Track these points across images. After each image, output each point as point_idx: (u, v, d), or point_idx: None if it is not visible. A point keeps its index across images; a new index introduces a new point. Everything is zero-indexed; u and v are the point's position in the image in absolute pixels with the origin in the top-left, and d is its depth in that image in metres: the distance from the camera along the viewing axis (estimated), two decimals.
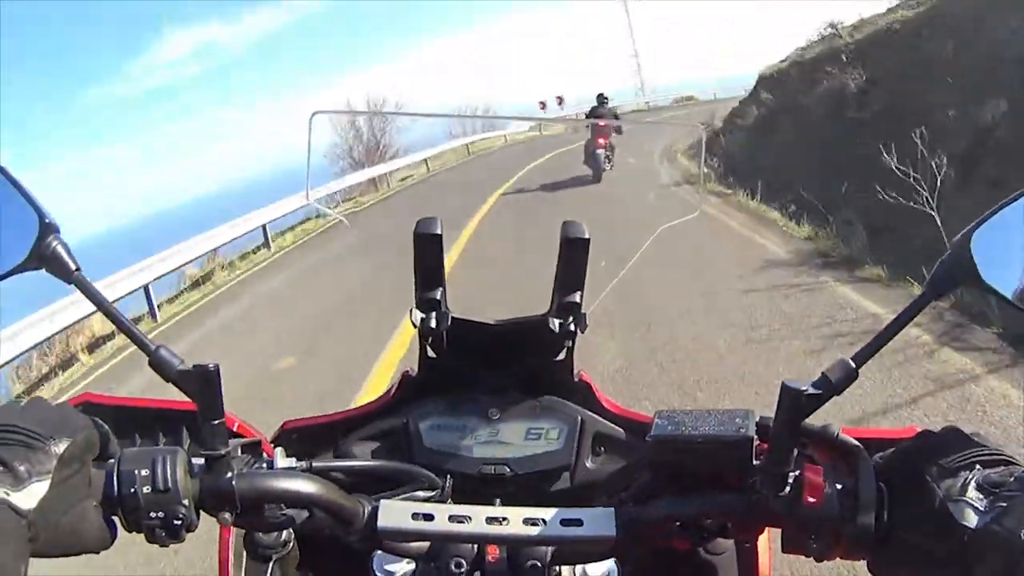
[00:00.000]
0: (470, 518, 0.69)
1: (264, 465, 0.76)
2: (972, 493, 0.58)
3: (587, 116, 14.79)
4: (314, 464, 0.80)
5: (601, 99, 15.44)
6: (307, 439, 0.90)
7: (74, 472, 0.62)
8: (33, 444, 0.61)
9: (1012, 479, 0.57)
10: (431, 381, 0.94)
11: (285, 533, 0.84)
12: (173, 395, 0.74)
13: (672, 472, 0.68)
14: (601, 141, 13.77)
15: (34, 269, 0.67)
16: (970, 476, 0.59)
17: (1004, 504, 0.56)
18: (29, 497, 0.58)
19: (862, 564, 0.65)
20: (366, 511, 0.71)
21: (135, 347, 0.68)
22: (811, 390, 0.63)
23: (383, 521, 0.70)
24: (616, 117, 14.17)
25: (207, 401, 0.65)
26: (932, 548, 0.59)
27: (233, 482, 0.66)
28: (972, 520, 0.56)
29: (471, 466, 0.91)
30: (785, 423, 0.63)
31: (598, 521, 0.69)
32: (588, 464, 0.92)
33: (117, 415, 0.79)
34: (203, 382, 0.65)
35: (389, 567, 0.78)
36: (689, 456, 0.66)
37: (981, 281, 0.63)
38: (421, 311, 0.88)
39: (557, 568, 0.79)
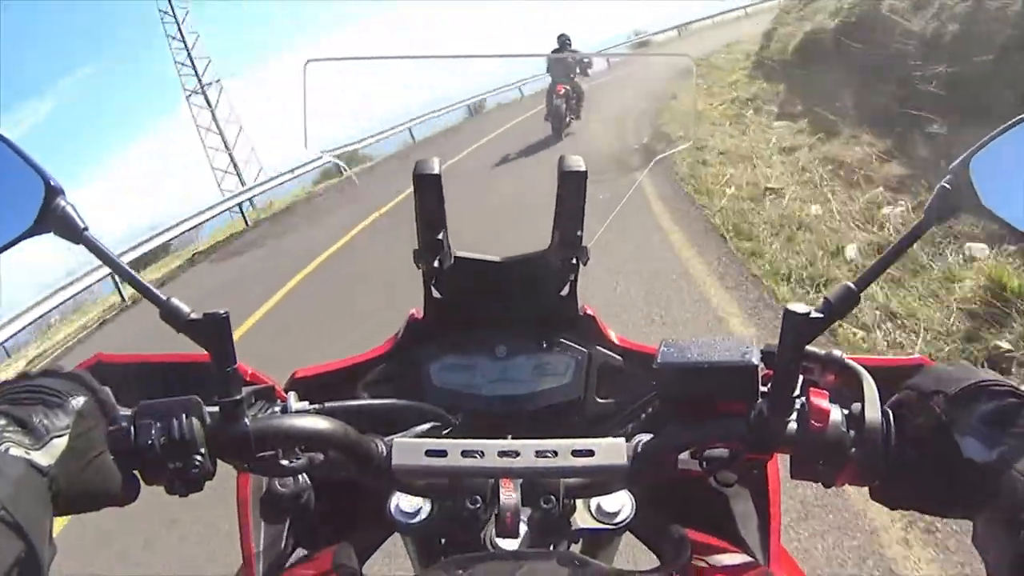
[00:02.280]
0: (483, 452, 0.70)
1: (278, 410, 0.77)
2: (979, 425, 0.58)
3: (548, 64, 13.56)
4: (327, 405, 0.81)
5: (563, 40, 12.98)
6: (319, 385, 0.91)
7: (92, 427, 0.63)
8: (50, 402, 0.61)
9: (1020, 413, 0.57)
10: (438, 322, 0.94)
11: (302, 481, 0.86)
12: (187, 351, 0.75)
13: (680, 401, 0.69)
14: (560, 89, 11.58)
15: (43, 233, 0.67)
16: (977, 407, 0.59)
17: (1012, 439, 0.56)
18: (49, 454, 0.59)
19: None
20: (380, 450, 0.72)
21: None
22: (814, 314, 0.63)
23: (397, 459, 0.71)
24: (584, 67, 13.02)
25: (219, 349, 0.66)
26: (937, 478, 0.60)
27: (248, 427, 0.67)
28: (979, 453, 0.56)
29: (481, 404, 0.93)
30: (789, 347, 0.64)
31: (609, 451, 0.70)
32: (597, 397, 0.94)
33: (131, 372, 0.80)
34: (214, 330, 0.66)
35: (406, 509, 0.79)
36: (695, 383, 0.67)
37: (981, 205, 0.64)
38: (424, 251, 0.88)
39: (571, 502, 0.80)
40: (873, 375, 0.66)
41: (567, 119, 11.56)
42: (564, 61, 12.14)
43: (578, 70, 12.55)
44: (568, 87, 11.64)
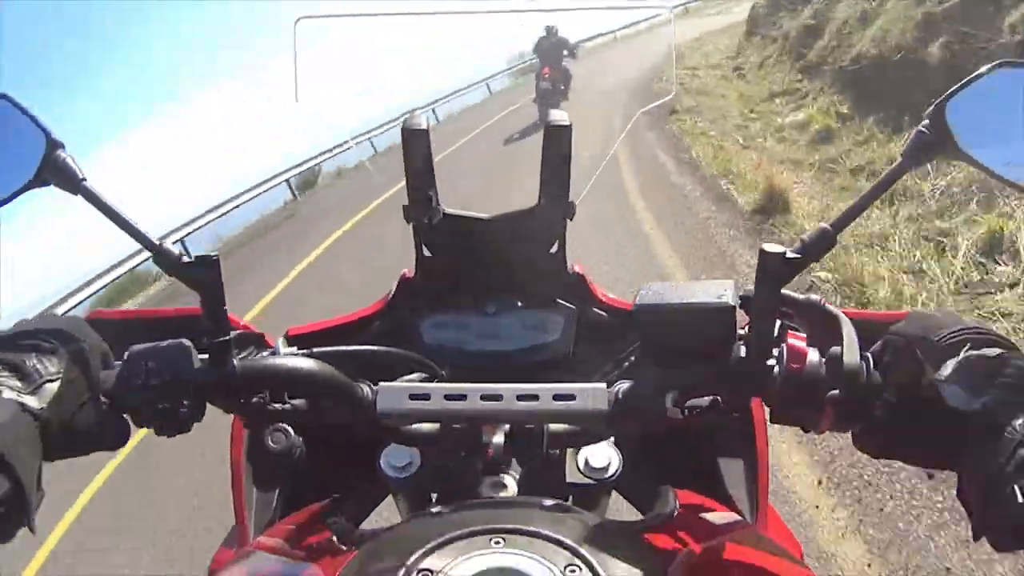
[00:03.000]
0: (465, 396, 0.71)
1: (266, 354, 0.78)
2: (964, 374, 0.56)
3: (534, 51, 13.34)
4: (315, 350, 0.82)
5: (550, 30, 12.17)
6: (312, 341, 0.91)
7: (84, 372, 0.64)
8: (43, 347, 0.63)
9: (1008, 364, 0.56)
10: (428, 280, 0.95)
11: (293, 438, 0.86)
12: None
13: (657, 344, 0.69)
14: (546, 72, 11.46)
15: (42, 185, 0.69)
16: (960, 355, 0.57)
17: (996, 390, 0.55)
18: (41, 398, 0.59)
19: None
20: (366, 395, 0.73)
21: None
22: (790, 254, 0.63)
23: (382, 404, 0.71)
24: (572, 51, 12.78)
25: (209, 293, 0.67)
26: (920, 426, 0.59)
27: (235, 368, 0.68)
28: (962, 401, 0.55)
29: (470, 359, 0.94)
30: (766, 289, 0.64)
31: (590, 396, 0.70)
32: (585, 353, 0.94)
33: (125, 325, 0.81)
34: (205, 274, 0.66)
35: (396, 463, 0.80)
36: (672, 326, 0.67)
37: (957, 149, 0.64)
38: (414, 208, 0.88)
39: (558, 452, 0.81)
40: (858, 326, 0.66)
41: (555, 103, 11.28)
42: (552, 45, 11.96)
43: (566, 53, 12.42)
44: (554, 69, 11.52)
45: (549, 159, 0.87)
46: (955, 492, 0.58)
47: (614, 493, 0.91)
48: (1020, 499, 0.48)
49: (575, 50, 12.97)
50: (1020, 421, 0.51)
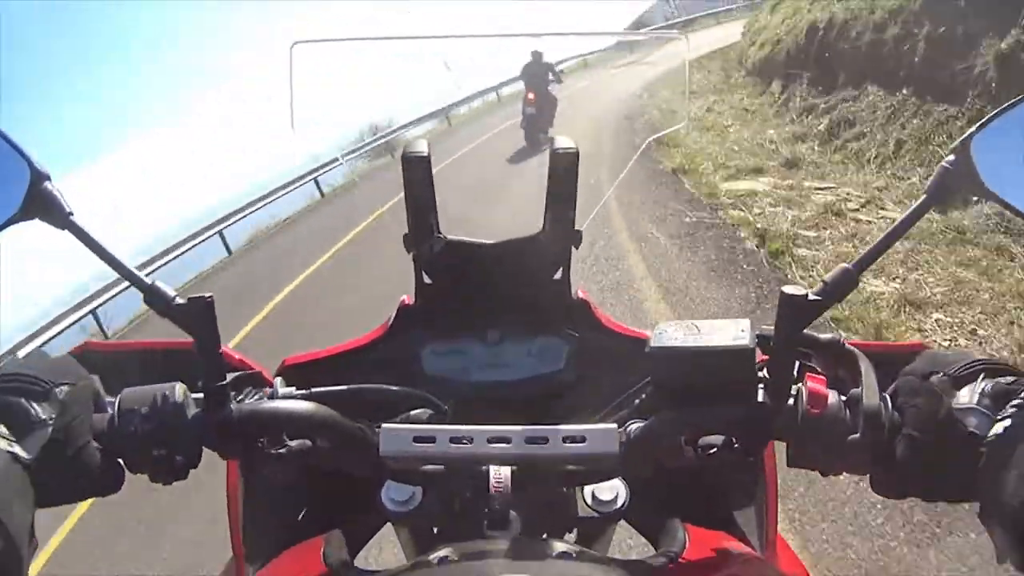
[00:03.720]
0: (472, 439, 0.69)
1: (265, 396, 0.76)
2: (981, 400, 0.57)
3: (523, 76, 13.52)
4: (315, 391, 0.80)
5: (535, 55, 12.32)
6: (308, 373, 0.89)
7: (76, 417, 0.62)
8: (34, 392, 0.61)
9: (1019, 390, 0.56)
10: (428, 307, 0.93)
11: (291, 471, 0.83)
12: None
13: (673, 386, 0.68)
14: (530, 97, 11.53)
15: (27, 220, 0.67)
16: (977, 385, 0.58)
17: (1014, 414, 0.55)
18: (32, 446, 0.58)
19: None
20: (369, 437, 0.71)
21: None
22: (811, 297, 0.62)
23: (385, 446, 0.70)
24: (556, 75, 13.00)
25: (203, 334, 0.65)
26: (940, 459, 0.58)
27: (233, 413, 0.66)
28: (984, 428, 0.56)
29: (473, 389, 0.91)
30: (786, 331, 0.63)
31: (600, 438, 0.69)
32: (589, 382, 0.92)
33: (117, 360, 0.79)
34: (199, 315, 0.65)
35: (398, 497, 0.77)
36: (690, 368, 0.66)
37: (982, 186, 0.63)
38: (415, 236, 0.87)
39: (564, 489, 0.79)
40: (871, 360, 0.65)
41: (542, 131, 11.56)
42: (536, 70, 12.18)
43: (551, 77, 12.65)
44: (539, 95, 11.70)
45: (555, 185, 0.85)
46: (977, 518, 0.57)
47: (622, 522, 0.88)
48: None
49: (559, 76, 13.21)
50: None
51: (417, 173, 0.83)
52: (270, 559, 0.84)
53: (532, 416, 0.75)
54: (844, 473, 0.65)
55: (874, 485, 0.64)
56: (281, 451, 0.71)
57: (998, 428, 0.55)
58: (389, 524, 0.86)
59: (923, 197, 0.65)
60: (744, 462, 0.84)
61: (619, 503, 0.78)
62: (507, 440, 0.69)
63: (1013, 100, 0.64)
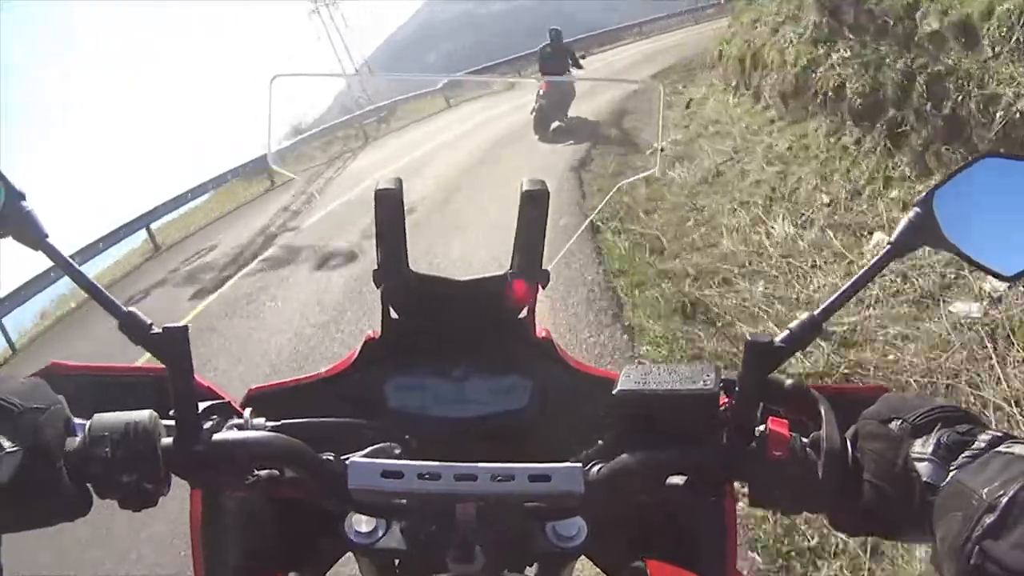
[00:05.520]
0: (439, 475, 0.69)
1: (235, 426, 0.76)
2: (936, 450, 0.59)
3: (539, 60, 12.37)
4: (284, 423, 0.80)
5: (554, 35, 12.09)
6: (275, 402, 0.89)
7: (45, 442, 0.62)
8: (5, 416, 0.61)
9: (976, 439, 0.59)
10: (394, 343, 0.93)
11: (255, 500, 0.84)
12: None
13: (638, 428, 0.69)
14: (544, 88, 10.83)
15: (1, 237, 0.67)
16: (934, 434, 0.61)
17: (967, 462, 0.57)
18: (3, 471, 0.58)
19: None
20: (335, 471, 0.71)
21: None
22: (777, 344, 0.64)
23: (353, 480, 0.69)
24: (576, 61, 12.72)
25: (177, 363, 0.65)
26: (895, 503, 0.61)
27: (203, 442, 0.66)
28: (935, 477, 0.59)
29: (437, 425, 0.91)
30: (751, 376, 0.65)
31: (565, 477, 0.69)
32: (554, 421, 0.92)
33: (86, 382, 0.79)
34: (173, 344, 0.65)
35: (362, 529, 0.78)
36: (655, 411, 0.67)
37: (944, 239, 0.66)
38: (384, 271, 0.87)
39: (528, 525, 0.79)
40: (833, 403, 0.66)
41: (555, 120, 11.31)
42: (553, 54, 11.91)
43: (570, 63, 12.33)
44: (554, 87, 11.17)
45: (524, 225, 0.86)
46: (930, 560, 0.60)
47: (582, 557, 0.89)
48: (985, 558, 0.51)
49: (580, 61, 12.81)
50: (987, 489, 0.53)
51: (389, 209, 0.83)
52: None
53: (496, 452, 0.75)
54: (806, 512, 0.67)
55: (832, 523, 0.67)
56: (249, 481, 0.71)
57: (949, 477, 0.57)
58: (351, 557, 0.86)
59: (887, 247, 0.67)
60: (705, 500, 0.85)
61: (580, 539, 0.79)
62: (474, 478, 0.69)
63: (973, 157, 0.68)
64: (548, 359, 0.95)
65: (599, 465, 0.71)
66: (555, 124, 11.26)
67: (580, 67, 12.59)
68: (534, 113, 11.21)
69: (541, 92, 11.14)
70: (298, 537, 0.89)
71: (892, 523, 0.63)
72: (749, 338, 0.64)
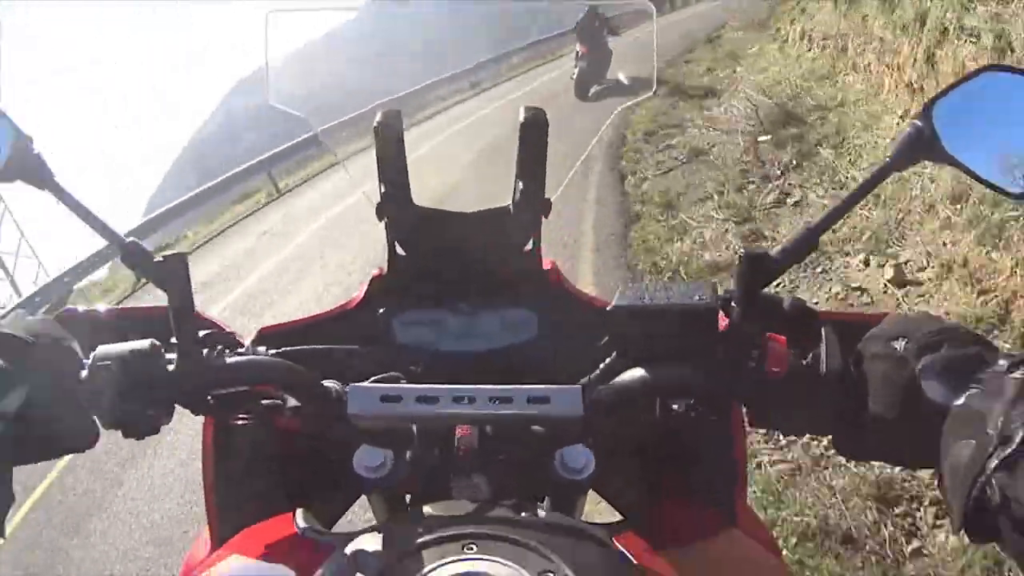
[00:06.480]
0: (438, 398, 0.69)
1: (236, 354, 0.76)
2: (944, 370, 0.57)
3: (577, 28, 13.04)
4: (286, 350, 0.81)
5: (591, 6, 11.59)
6: (283, 339, 0.89)
7: (54, 374, 0.64)
8: (13, 349, 0.62)
9: (990, 361, 0.56)
10: (401, 279, 0.94)
11: (265, 439, 0.86)
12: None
13: (635, 347, 0.69)
14: (583, 49, 11.14)
15: (9, 181, 0.69)
16: (941, 354, 0.58)
17: (977, 385, 0.55)
18: (11, 402, 0.59)
19: None
20: (336, 396, 0.72)
21: None
22: (773, 256, 0.63)
23: (353, 406, 0.70)
24: (613, 30, 12.52)
25: (178, 292, 0.66)
26: (900, 425, 0.58)
27: (204, 369, 0.67)
28: (944, 397, 0.55)
29: (444, 359, 0.92)
30: (746, 290, 0.64)
31: (565, 398, 0.69)
32: (561, 352, 0.92)
33: (94, 324, 0.80)
34: (174, 272, 0.66)
35: (369, 463, 0.80)
36: (650, 327, 0.67)
37: (944, 152, 0.64)
38: (386, 204, 0.87)
39: (533, 453, 0.78)
40: (835, 327, 0.65)
41: (593, 85, 11.27)
42: (589, 22, 11.80)
43: (607, 32, 12.25)
44: (593, 50, 11.26)
45: (525, 156, 0.85)
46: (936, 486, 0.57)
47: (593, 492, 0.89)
48: (998, 493, 0.49)
49: (617, 28, 12.70)
50: (1000, 417, 0.51)
51: (389, 139, 0.82)
52: (247, 527, 0.84)
53: (502, 382, 0.76)
54: (809, 434, 0.66)
55: (836, 446, 0.65)
56: (252, 407, 0.73)
57: (959, 399, 0.54)
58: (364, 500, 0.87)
59: (886, 160, 0.66)
60: (711, 429, 0.85)
61: (588, 471, 0.79)
62: (472, 399, 0.69)
63: (974, 69, 0.66)
64: (554, 290, 0.95)
65: (598, 386, 0.71)
66: (594, 88, 11.25)
67: (616, 34, 12.46)
68: (574, 78, 11.27)
69: (579, 54, 11.27)
70: (309, 474, 0.90)
71: (898, 448, 0.61)
72: (743, 250, 0.64)
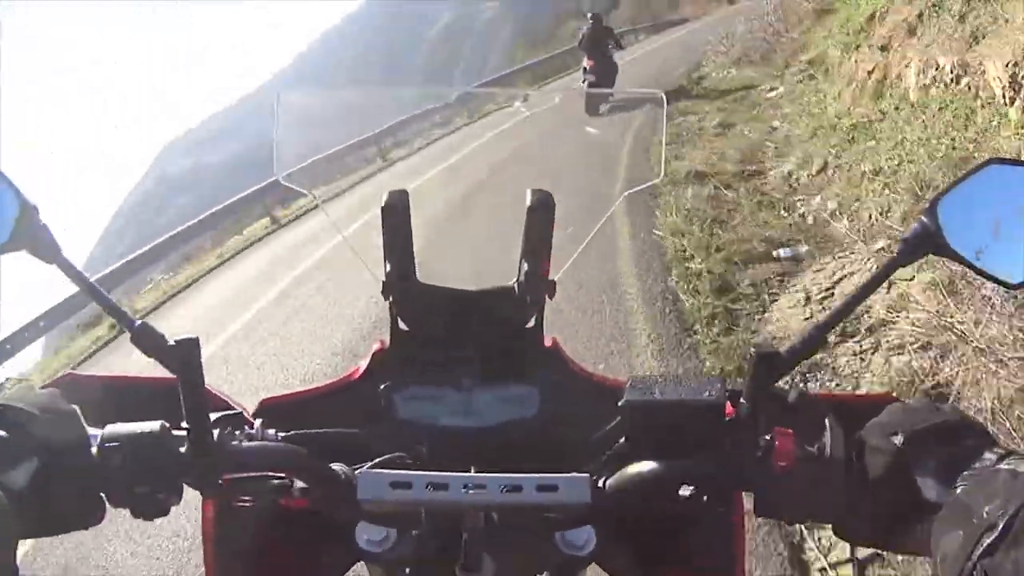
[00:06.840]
0: (447, 485, 0.70)
1: (245, 436, 0.77)
2: (938, 465, 0.60)
3: (580, 44, 12.73)
4: (294, 433, 0.81)
5: (596, 19, 12.29)
6: (286, 413, 0.90)
7: (59, 451, 0.64)
8: (20, 424, 0.62)
9: (979, 454, 0.59)
10: (403, 353, 0.94)
11: (267, 509, 0.85)
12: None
13: (645, 439, 0.69)
14: (589, 64, 11.40)
15: (15, 251, 0.68)
16: (936, 447, 0.61)
17: (967, 481, 0.57)
18: (16, 477, 0.60)
19: None
20: (346, 481, 0.72)
21: None
22: (782, 354, 0.65)
23: (363, 491, 0.70)
24: (617, 41, 12.54)
25: (188, 374, 0.66)
26: (897, 517, 0.61)
27: (215, 453, 0.67)
28: (937, 494, 0.59)
29: (446, 436, 0.92)
30: (755, 386, 0.65)
31: (573, 487, 0.70)
32: (563, 429, 0.92)
33: (101, 393, 0.80)
34: (184, 355, 0.66)
35: (372, 538, 0.80)
36: (661, 421, 0.68)
37: (947, 247, 0.66)
38: (392, 283, 0.88)
39: (537, 533, 0.80)
40: (840, 412, 0.67)
41: (601, 98, 11.43)
42: (596, 35, 11.88)
43: (611, 44, 12.38)
44: (597, 61, 11.52)
45: (531, 236, 0.86)
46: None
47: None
48: None
49: (620, 41, 12.84)
50: (988, 508, 0.53)
51: (396, 219, 0.84)
52: None
53: (504, 461, 0.76)
54: (811, 522, 0.68)
55: (836, 532, 0.68)
56: (260, 491, 0.73)
57: (951, 496, 0.57)
58: (362, 563, 0.87)
59: (893, 256, 0.67)
60: (713, 510, 0.85)
61: (590, 547, 0.79)
62: (482, 487, 0.70)
63: (977, 164, 0.67)
64: (556, 367, 0.95)
65: (606, 475, 0.72)
66: (604, 106, 11.36)
67: (621, 47, 12.65)
68: (584, 91, 11.11)
69: (587, 68, 11.38)
70: (309, 546, 0.90)
71: (895, 537, 0.64)
72: (754, 348, 0.65)
